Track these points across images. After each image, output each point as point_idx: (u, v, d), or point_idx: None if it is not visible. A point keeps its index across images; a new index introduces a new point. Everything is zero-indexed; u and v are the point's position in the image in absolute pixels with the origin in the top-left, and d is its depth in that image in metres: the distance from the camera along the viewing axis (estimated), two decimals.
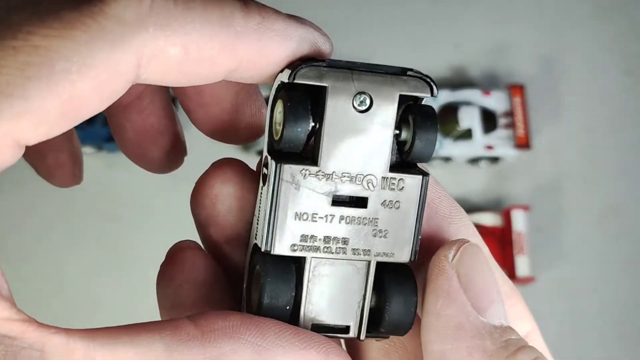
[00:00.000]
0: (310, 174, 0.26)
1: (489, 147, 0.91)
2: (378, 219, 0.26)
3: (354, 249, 0.26)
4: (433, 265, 0.27)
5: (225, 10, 0.24)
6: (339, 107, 0.25)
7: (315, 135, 0.26)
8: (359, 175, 0.26)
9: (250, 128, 0.30)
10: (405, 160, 0.27)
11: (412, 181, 0.26)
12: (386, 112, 0.26)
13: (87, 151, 0.87)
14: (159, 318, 0.27)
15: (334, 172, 0.26)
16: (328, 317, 0.27)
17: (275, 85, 0.26)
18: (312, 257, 0.26)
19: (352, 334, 0.27)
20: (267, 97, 0.27)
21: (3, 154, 0.22)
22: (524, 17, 0.99)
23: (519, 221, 0.89)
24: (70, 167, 0.36)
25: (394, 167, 0.26)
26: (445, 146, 0.90)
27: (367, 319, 0.27)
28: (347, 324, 0.27)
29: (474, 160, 0.92)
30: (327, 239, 0.26)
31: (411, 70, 0.26)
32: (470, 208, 0.91)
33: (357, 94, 0.25)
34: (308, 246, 0.26)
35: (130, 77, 0.24)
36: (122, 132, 0.33)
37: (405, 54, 0.95)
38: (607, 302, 0.92)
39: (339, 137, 0.26)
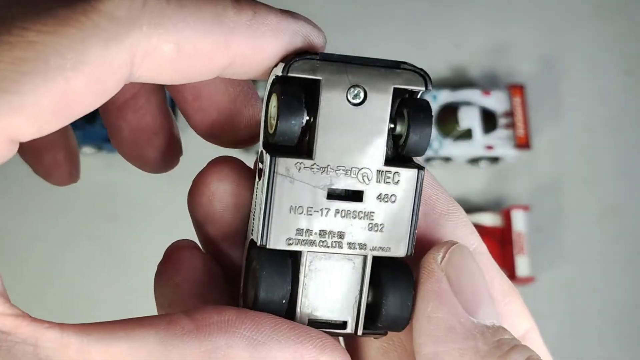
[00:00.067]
0: (305, 167, 0.26)
1: (489, 147, 0.91)
2: (374, 212, 0.26)
3: (350, 243, 0.26)
4: (422, 268, 0.27)
5: (217, 6, 0.24)
6: (333, 100, 0.25)
7: (310, 128, 0.26)
8: (354, 169, 0.26)
9: (248, 131, 0.30)
10: (400, 154, 0.27)
11: (407, 174, 0.26)
12: (380, 105, 0.26)
13: (87, 151, 0.87)
14: None
15: (328, 165, 0.26)
16: (325, 313, 0.27)
17: (270, 80, 0.26)
18: (308, 251, 0.26)
19: (350, 329, 0.27)
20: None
21: None
22: (524, 17, 0.98)
23: (519, 221, 0.89)
24: (67, 165, 0.36)
25: (390, 161, 0.26)
26: (445, 146, 0.90)
27: (364, 315, 0.27)
28: (344, 320, 0.27)
29: (474, 160, 0.92)
30: (322, 233, 0.26)
31: (405, 63, 0.26)
32: (470, 208, 0.91)
33: (351, 87, 0.26)
34: (304, 240, 0.26)
35: (124, 75, 0.24)
36: (118, 131, 0.33)
37: (405, 54, 0.94)
38: (607, 302, 0.92)
39: (334, 130, 0.26)
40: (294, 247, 0.26)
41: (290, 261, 0.26)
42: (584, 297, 0.92)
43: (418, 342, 0.26)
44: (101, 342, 0.22)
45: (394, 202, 0.26)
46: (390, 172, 0.26)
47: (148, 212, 0.89)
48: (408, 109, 0.26)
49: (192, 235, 0.30)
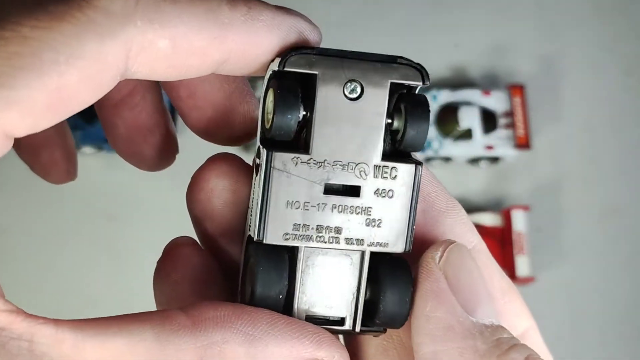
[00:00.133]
0: (301, 162, 0.26)
1: (489, 147, 0.91)
2: (371, 208, 0.26)
3: (347, 239, 0.26)
4: (420, 267, 0.27)
5: (211, 2, 0.24)
6: (329, 94, 0.25)
7: (307, 123, 0.26)
8: (351, 164, 0.26)
9: (243, 128, 0.30)
10: (397, 149, 0.27)
11: (405, 170, 0.26)
12: (377, 100, 0.26)
13: (87, 151, 0.87)
14: None
15: (325, 160, 0.26)
16: (322, 309, 0.27)
17: (267, 76, 0.26)
18: (305, 247, 0.26)
19: (348, 326, 0.27)
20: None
21: None
22: (524, 17, 0.98)
23: (519, 221, 0.89)
24: (64, 163, 0.36)
25: (387, 156, 0.26)
26: (445, 146, 0.90)
27: (362, 311, 0.27)
28: (342, 316, 0.27)
29: (474, 160, 0.92)
30: (320, 228, 0.26)
31: (402, 58, 0.26)
32: (470, 208, 0.91)
33: (347, 81, 0.25)
34: (301, 235, 0.26)
35: (118, 70, 0.24)
36: (114, 129, 0.33)
37: (405, 54, 0.94)
38: (607, 302, 0.91)
39: (331, 125, 0.26)
40: (290, 242, 0.26)
41: (288, 257, 0.26)
42: (584, 297, 0.92)
43: (417, 341, 0.26)
44: (96, 337, 0.22)
45: (391, 197, 0.26)
46: (387, 167, 0.26)
47: (147, 212, 0.89)
48: (405, 104, 0.26)
49: (192, 234, 0.29)
